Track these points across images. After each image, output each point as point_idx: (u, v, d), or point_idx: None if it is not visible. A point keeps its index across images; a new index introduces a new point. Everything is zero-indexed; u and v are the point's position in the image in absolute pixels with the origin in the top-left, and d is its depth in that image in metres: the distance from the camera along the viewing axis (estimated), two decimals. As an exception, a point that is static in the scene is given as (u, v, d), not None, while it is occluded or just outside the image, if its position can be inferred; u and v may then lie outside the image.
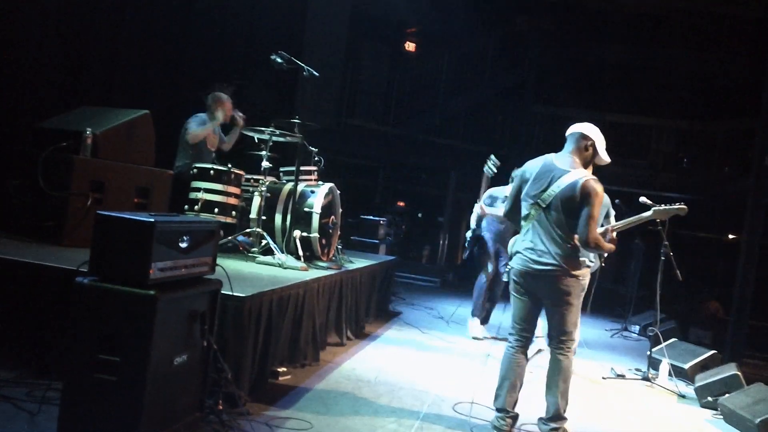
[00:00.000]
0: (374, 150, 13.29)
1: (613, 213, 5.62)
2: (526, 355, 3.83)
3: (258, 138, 5.70)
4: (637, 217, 4.32)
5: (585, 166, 3.70)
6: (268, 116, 6.02)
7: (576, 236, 3.56)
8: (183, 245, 2.72)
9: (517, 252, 3.79)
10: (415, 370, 5.09)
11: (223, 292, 3.11)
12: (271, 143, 5.60)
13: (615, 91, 14.09)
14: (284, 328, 4.11)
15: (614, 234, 4.00)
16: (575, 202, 3.51)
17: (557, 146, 3.87)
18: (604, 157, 3.75)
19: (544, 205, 3.62)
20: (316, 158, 6.07)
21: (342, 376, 4.56)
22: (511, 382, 3.74)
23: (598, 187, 3.53)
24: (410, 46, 14.31)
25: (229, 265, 4.12)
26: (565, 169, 3.63)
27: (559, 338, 3.74)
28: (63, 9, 5.68)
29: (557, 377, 3.72)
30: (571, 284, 3.62)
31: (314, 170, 6.02)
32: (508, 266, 3.85)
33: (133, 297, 2.48)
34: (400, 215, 12.32)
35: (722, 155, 12.64)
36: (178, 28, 7.23)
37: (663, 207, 4.25)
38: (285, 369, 4.20)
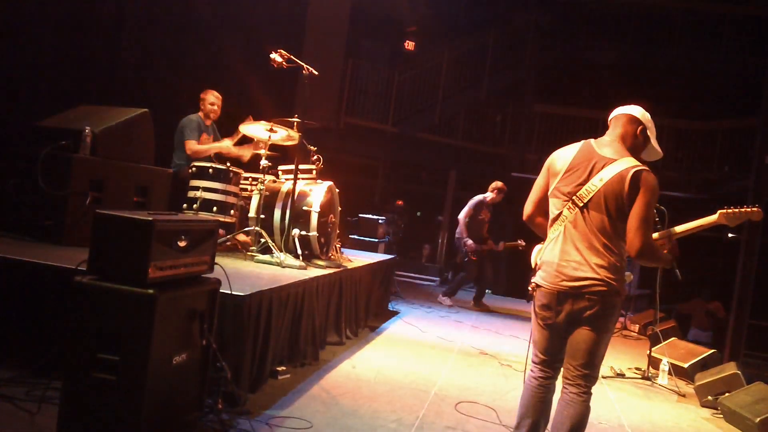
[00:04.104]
0: (373, 149, 13.30)
1: None
2: (553, 388, 3.08)
3: (257, 137, 5.71)
4: (700, 221, 3.51)
5: (634, 156, 2.93)
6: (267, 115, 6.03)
7: (623, 244, 2.84)
8: (182, 244, 2.72)
9: (544, 264, 2.98)
10: (415, 369, 5.08)
11: (222, 291, 3.10)
12: (270, 142, 5.60)
13: (614, 89, 14.06)
14: (283, 328, 4.10)
15: (675, 241, 3.25)
16: (624, 199, 2.78)
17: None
18: (657, 148, 3.04)
19: (581, 204, 2.85)
20: (314, 157, 6.07)
21: (341, 375, 4.55)
22: (532, 420, 3.02)
23: (655, 182, 2.80)
24: (410, 45, 14.32)
25: (228, 264, 4.12)
26: (611, 156, 2.87)
27: (581, 372, 2.91)
28: (62, 8, 5.68)
29: (572, 427, 2.88)
30: (614, 304, 2.86)
31: (313, 169, 6.01)
32: (532, 283, 3.04)
33: (132, 296, 2.47)
34: (399, 214, 12.31)
35: (722, 154, 12.65)
36: (177, 26, 7.23)
37: (732, 210, 3.44)
38: (284, 368, 4.19)
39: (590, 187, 2.84)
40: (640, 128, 2.97)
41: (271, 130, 5.42)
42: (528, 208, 3.15)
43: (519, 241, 8.63)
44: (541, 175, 3.10)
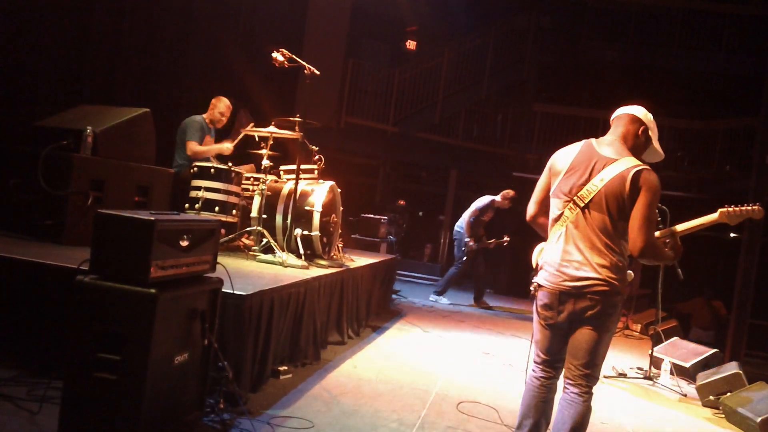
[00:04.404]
0: (374, 148, 13.30)
1: None
2: (554, 388, 3.07)
3: (258, 136, 5.71)
4: (701, 219, 3.47)
5: (635, 156, 2.92)
6: (268, 114, 6.04)
7: (625, 243, 2.84)
8: (183, 244, 2.71)
9: (546, 264, 2.97)
10: (417, 369, 5.08)
11: (223, 290, 3.10)
12: (271, 142, 5.60)
13: (615, 89, 14.07)
14: (285, 327, 4.10)
15: (678, 239, 3.21)
16: (625, 199, 2.77)
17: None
18: (659, 149, 3.03)
19: (582, 204, 2.84)
20: (316, 156, 6.07)
21: (343, 375, 4.55)
22: (534, 421, 3.01)
23: (657, 181, 2.79)
24: (410, 45, 14.31)
25: (229, 263, 4.11)
26: (612, 156, 2.86)
27: (582, 372, 2.90)
28: (63, 7, 5.67)
29: (573, 427, 2.87)
30: (615, 304, 2.84)
31: (315, 169, 6.02)
32: (534, 283, 3.02)
33: (134, 295, 2.47)
34: (400, 214, 12.30)
35: (723, 154, 12.64)
36: (179, 25, 7.22)
37: (732, 208, 3.42)
38: (286, 368, 4.19)
39: (591, 188, 2.83)
40: (642, 128, 2.97)
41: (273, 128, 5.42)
42: (531, 208, 3.15)
43: (504, 238, 9.04)
44: (543, 174, 3.10)
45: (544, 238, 3.11)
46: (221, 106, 5.99)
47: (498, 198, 8.83)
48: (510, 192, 8.88)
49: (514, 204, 8.78)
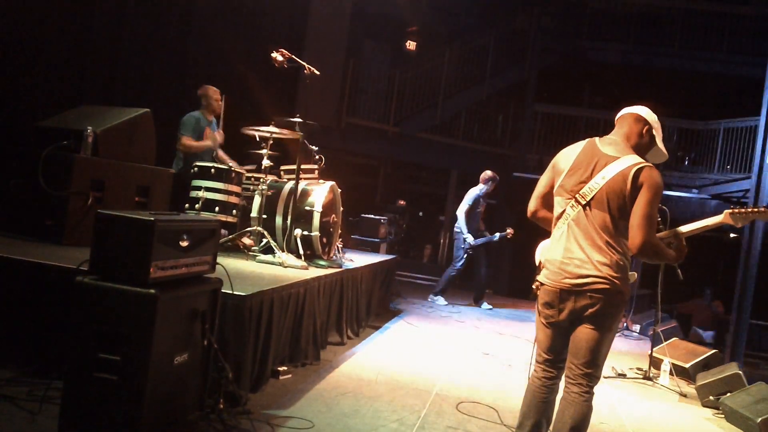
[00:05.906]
0: (375, 148, 13.31)
1: None
2: (556, 389, 3.07)
3: (259, 136, 5.71)
4: (706, 221, 3.42)
5: (638, 155, 2.89)
6: (268, 114, 6.05)
7: (626, 241, 2.82)
8: (183, 244, 2.72)
9: (547, 262, 2.97)
10: (417, 369, 5.08)
11: (223, 291, 3.10)
12: (271, 141, 5.60)
13: (616, 89, 14.09)
14: (285, 327, 4.10)
15: (683, 241, 3.17)
16: (626, 197, 2.76)
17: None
18: (663, 150, 3.01)
19: (584, 202, 2.83)
20: (316, 157, 6.07)
21: (343, 375, 4.55)
22: (534, 420, 3.00)
23: (659, 178, 2.77)
24: (411, 45, 14.32)
25: (229, 263, 4.12)
26: (614, 154, 2.86)
27: (583, 371, 2.89)
28: (64, 7, 5.68)
29: (573, 427, 2.87)
30: (616, 303, 2.83)
31: (315, 169, 6.02)
32: (536, 282, 3.03)
33: (134, 296, 2.47)
34: (400, 214, 12.32)
35: (723, 154, 12.65)
36: (179, 25, 7.23)
37: (739, 210, 3.35)
38: (286, 368, 4.19)
39: (593, 186, 2.82)
40: (646, 128, 2.95)
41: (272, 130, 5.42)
42: (532, 203, 3.16)
43: (507, 230, 8.96)
44: (546, 171, 3.11)
45: (548, 233, 3.11)
46: (212, 93, 6.02)
47: (482, 186, 8.82)
48: (487, 173, 8.84)
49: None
